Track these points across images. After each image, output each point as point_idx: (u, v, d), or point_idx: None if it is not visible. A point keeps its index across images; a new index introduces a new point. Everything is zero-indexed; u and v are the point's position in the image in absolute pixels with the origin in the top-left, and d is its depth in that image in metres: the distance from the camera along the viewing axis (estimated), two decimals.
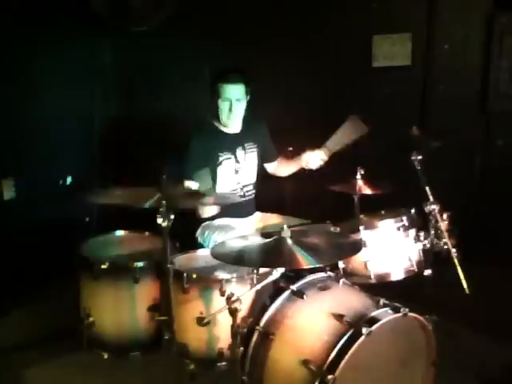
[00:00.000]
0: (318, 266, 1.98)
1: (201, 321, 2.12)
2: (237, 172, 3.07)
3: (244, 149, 3.10)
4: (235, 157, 3.05)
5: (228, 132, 3.07)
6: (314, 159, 3.03)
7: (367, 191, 2.77)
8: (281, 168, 3.33)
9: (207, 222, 2.98)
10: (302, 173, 3.17)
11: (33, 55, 3.49)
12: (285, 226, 1.98)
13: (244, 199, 3.09)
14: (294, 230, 2.01)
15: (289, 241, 1.94)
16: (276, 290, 2.12)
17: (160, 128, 4.07)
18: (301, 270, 2.15)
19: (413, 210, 2.62)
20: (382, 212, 2.73)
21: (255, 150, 3.17)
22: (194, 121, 3.30)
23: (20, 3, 3.35)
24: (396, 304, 1.97)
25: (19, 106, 3.43)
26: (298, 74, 4.02)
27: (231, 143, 3.06)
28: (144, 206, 2.09)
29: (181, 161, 2.90)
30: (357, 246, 2.12)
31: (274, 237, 1.99)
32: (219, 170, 2.99)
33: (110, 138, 4.18)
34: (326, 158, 3.01)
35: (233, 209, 2.89)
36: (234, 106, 2.93)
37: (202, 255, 2.72)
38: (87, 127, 4.09)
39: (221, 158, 2.99)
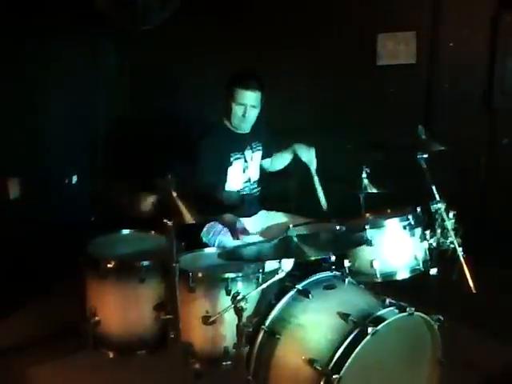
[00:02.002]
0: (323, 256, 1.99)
1: (206, 320, 2.12)
2: (244, 171, 3.08)
3: (251, 148, 3.12)
4: (244, 157, 3.06)
5: (238, 132, 3.05)
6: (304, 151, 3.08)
7: (373, 190, 2.77)
8: (275, 161, 3.32)
9: (212, 222, 2.98)
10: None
11: (37, 54, 3.50)
12: (291, 226, 1.98)
13: (249, 197, 3.10)
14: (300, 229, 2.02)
15: (295, 239, 1.95)
16: (282, 289, 2.11)
17: (164, 128, 4.08)
18: (306, 269, 2.15)
19: (419, 209, 2.60)
20: (388, 210, 2.71)
21: (260, 148, 3.19)
22: (200, 121, 3.29)
23: (23, 2, 3.36)
24: (402, 303, 1.96)
25: (24, 106, 3.44)
26: (301, 72, 4.02)
27: (241, 144, 3.06)
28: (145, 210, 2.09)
29: (190, 160, 2.89)
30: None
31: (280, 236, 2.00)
32: (230, 170, 3.00)
33: (115, 137, 4.18)
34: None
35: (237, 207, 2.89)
36: (247, 112, 2.91)
37: (208, 254, 2.72)
38: (92, 127, 4.09)
39: (231, 159, 2.99)
